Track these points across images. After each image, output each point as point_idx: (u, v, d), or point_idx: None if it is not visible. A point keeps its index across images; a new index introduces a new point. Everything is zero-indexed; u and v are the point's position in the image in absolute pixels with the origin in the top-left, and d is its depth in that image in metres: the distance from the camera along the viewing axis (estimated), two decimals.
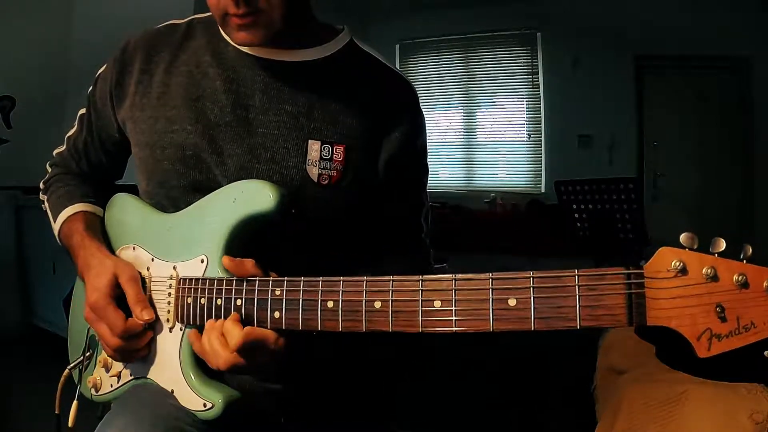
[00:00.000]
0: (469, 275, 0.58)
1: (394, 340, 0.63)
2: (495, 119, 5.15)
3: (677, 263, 0.50)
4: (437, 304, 0.59)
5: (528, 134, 4.95)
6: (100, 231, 0.90)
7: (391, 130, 0.85)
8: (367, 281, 0.63)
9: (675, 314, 0.50)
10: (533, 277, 0.55)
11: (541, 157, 4.89)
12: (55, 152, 1.02)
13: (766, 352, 0.49)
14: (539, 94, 4.86)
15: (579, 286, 0.53)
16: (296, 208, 0.77)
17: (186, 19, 0.90)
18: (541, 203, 4.62)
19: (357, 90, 0.85)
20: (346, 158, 0.82)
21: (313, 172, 0.81)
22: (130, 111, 0.86)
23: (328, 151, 0.82)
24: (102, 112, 0.92)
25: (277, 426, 0.87)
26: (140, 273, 0.82)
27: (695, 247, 0.50)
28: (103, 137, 0.95)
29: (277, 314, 0.68)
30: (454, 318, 0.58)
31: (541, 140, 4.87)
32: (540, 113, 4.87)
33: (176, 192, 0.83)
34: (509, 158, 5.11)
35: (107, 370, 0.86)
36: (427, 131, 0.92)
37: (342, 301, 0.64)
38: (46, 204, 0.97)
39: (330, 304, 0.65)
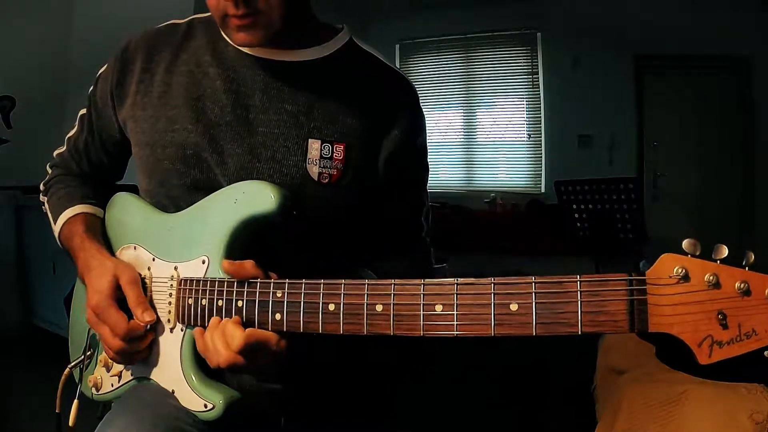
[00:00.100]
0: (471, 279, 0.57)
1: (395, 342, 0.63)
2: (495, 119, 5.15)
3: (679, 270, 0.50)
4: (439, 308, 0.59)
5: (528, 134, 4.95)
6: (100, 232, 0.90)
7: (391, 129, 0.85)
8: (368, 284, 0.63)
9: (677, 321, 0.50)
10: (535, 283, 0.55)
11: (541, 157, 4.89)
12: (55, 153, 1.02)
13: (766, 353, 0.49)
14: (539, 94, 4.86)
15: (581, 291, 0.53)
16: (297, 209, 0.77)
17: (186, 19, 0.91)
18: (541, 203, 4.62)
19: (357, 89, 0.85)
20: (346, 157, 0.82)
21: (314, 170, 0.81)
22: (131, 110, 0.86)
23: (328, 149, 0.82)
24: (103, 112, 0.92)
25: (278, 426, 0.87)
26: (141, 273, 0.82)
27: (697, 253, 0.50)
28: (104, 137, 0.95)
29: (278, 316, 0.68)
30: (455, 322, 0.58)
31: (541, 140, 4.87)
32: (540, 113, 4.87)
33: (177, 191, 0.83)
34: (509, 158, 5.11)
35: (108, 370, 0.86)
36: (427, 131, 0.92)
37: (343, 304, 0.64)
38: (47, 205, 0.97)
39: (331, 306, 0.65)
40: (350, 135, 0.83)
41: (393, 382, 1.06)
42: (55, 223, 0.92)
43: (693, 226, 4.02)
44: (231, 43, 0.83)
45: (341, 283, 0.64)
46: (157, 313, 0.80)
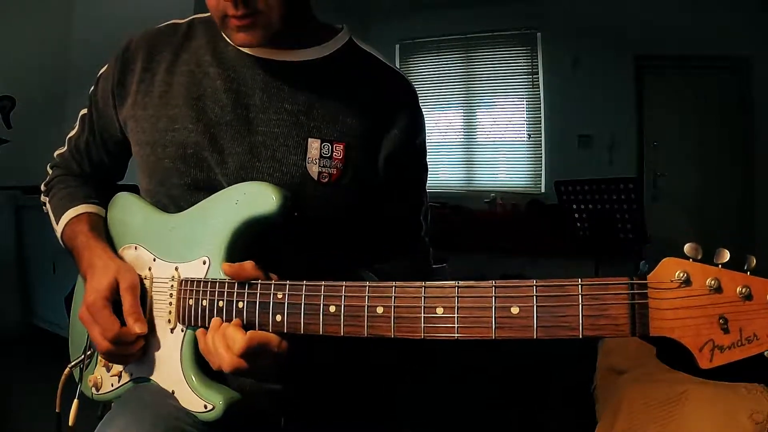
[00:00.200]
0: (472, 282, 0.57)
1: (396, 344, 0.63)
2: (495, 119, 5.15)
3: (681, 274, 0.50)
4: (440, 310, 0.58)
5: (528, 134, 4.95)
6: (104, 232, 0.90)
7: (390, 129, 0.85)
8: (369, 286, 0.63)
9: (678, 325, 0.50)
10: (536, 286, 0.54)
11: (541, 157, 4.88)
12: (55, 153, 1.02)
13: (766, 353, 0.49)
14: (539, 94, 4.86)
15: (582, 295, 0.52)
16: (298, 210, 0.77)
17: (187, 19, 0.91)
18: (541, 203, 4.62)
19: (356, 89, 0.85)
20: (346, 156, 0.82)
21: (314, 169, 0.81)
22: (132, 110, 0.87)
23: (328, 149, 0.82)
24: (104, 112, 0.92)
25: (278, 427, 0.87)
26: (141, 273, 0.82)
27: (699, 257, 0.50)
28: (105, 137, 0.95)
29: (278, 318, 0.68)
30: (456, 325, 0.58)
31: (541, 140, 4.87)
32: (540, 113, 4.87)
33: (177, 190, 0.83)
34: (509, 158, 5.11)
35: (108, 370, 0.86)
36: (427, 131, 0.92)
37: (344, 305, 0.64)
38: (48, 206, 0.97)
39: (332, 308, 0.65)
40: (350, 134, 0.83)
41: (393, 382, 1.06)
42: (57, 223, 0.92)
43: (693, 227, 4.02)
44: (231, 43, 0.83)
45: (342, 285, 0.64)
46: (155, 315, 0.80)
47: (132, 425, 0.73)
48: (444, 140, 5.23)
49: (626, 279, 0.51)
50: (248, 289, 0.70)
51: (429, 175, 0.95)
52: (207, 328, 0.73)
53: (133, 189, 0.93)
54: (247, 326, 0.70)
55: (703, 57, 4.28)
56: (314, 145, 0.81)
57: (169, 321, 0.78)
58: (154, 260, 0.83)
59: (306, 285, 0.67)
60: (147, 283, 0.82)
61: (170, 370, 0.78)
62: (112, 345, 0.77)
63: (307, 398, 0.88)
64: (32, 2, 3.33)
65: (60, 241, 0.92)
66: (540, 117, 4.86)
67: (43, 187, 1.01)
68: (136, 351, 0.79)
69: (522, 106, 5.00)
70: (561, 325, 0.53)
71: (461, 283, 0.58)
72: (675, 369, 1.07)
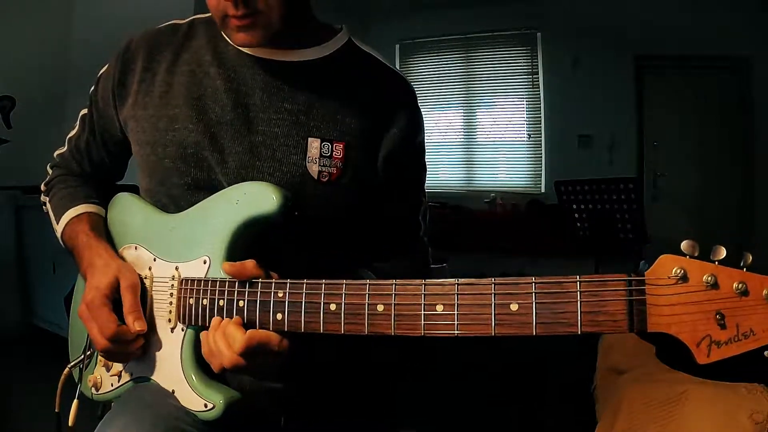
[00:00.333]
0: (472, 280, 0.58)
1: (396, 342, 0.63)
2: (495, 119, 5.15)
3: (678, 271, 0.51)
4: (439, 308, 0.59)
5: (528, 134, 4.95)
6: (104, 232, 0.90)
7: (389, 128, 0.86)
8: (370, 285, 0.63)
9: (675, 321, 0.50)
10: (535, 283, 0.55)
11: (541, 157, 4.89)
12: (55, 153, 1.02)
13: (766, 353, 0.49)
14: (539, 94, 4.86)
15: (581, 292, 0.53)
16: (299, 210, 0.77)
17: (187, 20, 0.91)
18: (541, 203, 4.62)
19: (356, 89, 0.86)
20: (345, 156, 0.83)
21: (314, 169, 0.82)
22: (132, 110, 0.87)
23: (328, 148, 0.82)
24: (104, 112, 0.92)
25: (278, 426, 0.87)
26: (142, 273, 0.83)
27: (696, 254, 0.51)
28: (106, 137, 0.95)
29: (279, 316, 0.68)
30: (456, 322, 0.58)
31: (541, 140, 4.87)
32: (540, 113, 4.87)
33: (177, 190, 0.84)
34: (509, 158, 5.11)
35: (108, 369, 0.86)
36: (427, 131, 0.93)
37: (345, 304, 0.64)
38: (48, 206, 0.97)
39: (332, 306, 0.65)
40: (350, 134, 0.83)
41: (393, 380, 1.06)
42: (57, 223, 0.92)
43: (693, 226, 4.03)
44: (231, 43, 0.84)
45: (343, 283, 0.65)
46: (155, 315, 0.80)
47: (132, 425, 0.73)
48: (444, 140, 5.23)
49: (624, 276, 0.52)
50: (249, 288, 0.71)
51: (429, 175, 0.96)
52: (208, 328, 0.73)
53: (133, 189, 0.93)
54: (247, 325, 0.70)
55: (703, 57, 4.28)
56: (314, 145, 0.82)
57: (170, 320, 0.79)
58: (155, 260, 0.83)
59: (307, 283, 0.67)
60: (147, 282, 0.82)
61: (170, 369, 0.78)
62: (110, 343, 0.77)
63: (307, 397, 0.88)
64: (32, 2, 3.33)
65: (60, 240, 0.92)
66: (540, 117, 4.87)
67: (43, 187, 1.01)
68: (135, 349, 0.79)
69: (522, 106, 5.00)
70: (560, 322, 0.54)
71: (461, 280, 0.58)
72: (674, 369, 1.07)
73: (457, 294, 0.58)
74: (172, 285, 0.79)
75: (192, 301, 0.76)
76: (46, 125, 2.81)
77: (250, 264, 0.71)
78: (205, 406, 0.73)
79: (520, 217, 4.66)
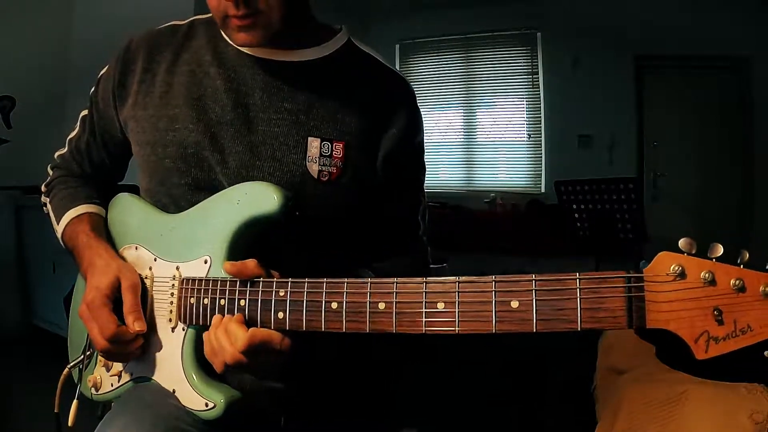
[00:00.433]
0: (472, 278, 0.58)
1: (396, 339, 0.63)
2: (495, 119, 5.15)
3: (676, 267, 0.51)
4: (440, 305, 0.59)
5: (528, 134, 4.96)
6: (105, 232, 0.90)
7: (389, 128, 0.86)
8: (371, 283, 0.63)
9: (673, 317, 0.51)
10: (535, 280, 0.56)
11: (541, 157, 4.89)
12: (56, 154, 1.02)
13: (765, 352, 0.49)
14: (539, 94, 4.86)
15: (580, 289, 0.54)
16: (299, 209, 0.77)
17: (187, 20, 0.91)
18: (541, 203, 4.62)
19: (355, 89, 0.86)
20: (345, 155, 0.83)
21: (314, 168, 0.82)
22: (132, 110, 0.87)
23: (328, 147, 0.82)
24: (104, 113, 0.92)
25: (278, 425, 0.87)
26: (142, 273, 0.83)
27: (694, 251, 0.51)
28: (106, 138, 0.95)
29: (280, 315, 0.68)
30: (456, 320, 0.58)
31: (541, 140, 4.87)
32: (540, 113, 4.87)
33: (177, 190, 0.84)
34: (509, 158, 5.11)
35: (107, 370, 0.86)
36: (427, 131, 0.93)
37: (346, 302, 0.64)
38: (49, 206, 0.97)
39: (334, 305, 0.65)
40: (349, 133, 0.83)
41: (393, 379, 1.06)
42: (58, 223, 0.92)
43: (693, 226, 4.02)
44: (231, 43, 0.84)
45: (344, 282, 0.65)
46: (155, 315, 0.80)
47: (132, 425, 0.73)
48: (444, 140, 5.23)
49: (623, 273, 0.53)
50: (250, 287, 0.71)
51: (429, 175, 0.96)
52: (208, 328, 0.73)
53: (133, 189, 0.93)
54: (249, 324, 0.70)
55: (703, 57, 4.29)
56: (314, 144, 0.82)
57: (170, 320, 0.79)
58: (155, 260, 0.83)
59: (308, 282, 0.67)
60: (148, 282, 0.82)
61: (171, 369, 0.78)
62: (110, 343, 0.77)
63: (307, 396, 0.88)
64: (32, 2, 3.33)
65: (60, 241, 0.92)
66: (540, 117, 4.87)
67: (43, 188, 1.01)
68: (134, 350, 0.79)
69: (522, 106, 5.01)
70: (560, 319, 0.54)
71: (462, 278, 0.59)
72: (674, 369, 1.07)
73: (458, 291, 0.58)
74: (173, 285, 0.79)
75: (193, 300, 0.76)
76: (46, 125, 2.81)
77: (251, 263, 0.71)
78: (206, 405, 0.73)
79: (520, 217, 4.66)
